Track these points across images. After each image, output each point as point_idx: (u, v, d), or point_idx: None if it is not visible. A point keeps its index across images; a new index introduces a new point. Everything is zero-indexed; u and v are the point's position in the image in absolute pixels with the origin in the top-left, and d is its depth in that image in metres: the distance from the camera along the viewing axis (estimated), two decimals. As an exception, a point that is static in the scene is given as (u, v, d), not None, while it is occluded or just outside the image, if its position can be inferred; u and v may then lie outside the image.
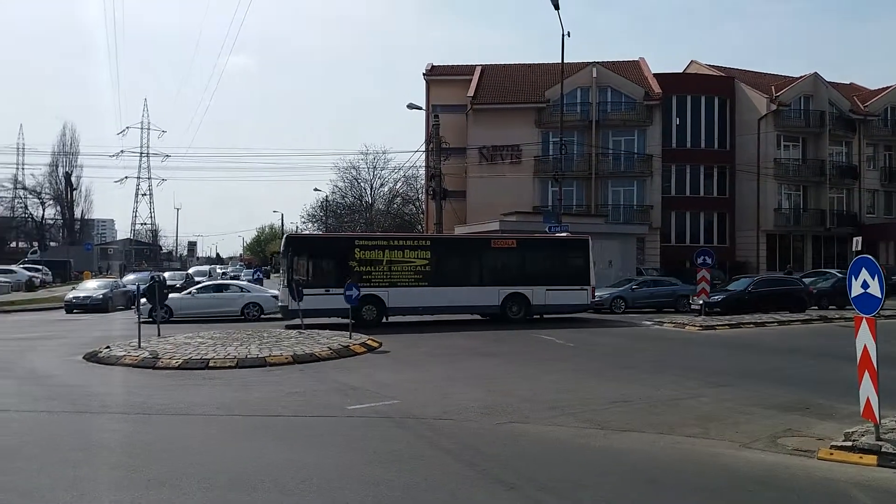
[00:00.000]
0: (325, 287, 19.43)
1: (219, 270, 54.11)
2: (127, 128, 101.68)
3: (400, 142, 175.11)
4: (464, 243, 24.60)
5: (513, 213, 32.73)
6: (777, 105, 39.92)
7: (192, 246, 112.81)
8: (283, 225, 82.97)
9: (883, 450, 6.60)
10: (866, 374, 7.01)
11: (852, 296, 7.26)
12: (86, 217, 78.64)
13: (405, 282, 20.43)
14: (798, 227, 41.54)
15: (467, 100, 40.21)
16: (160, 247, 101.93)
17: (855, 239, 27.71)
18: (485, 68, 43.71)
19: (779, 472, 6.47)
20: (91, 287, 29.01)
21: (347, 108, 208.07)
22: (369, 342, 15.50)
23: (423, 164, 39.10)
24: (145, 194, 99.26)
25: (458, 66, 46.06)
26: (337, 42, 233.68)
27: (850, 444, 6.86)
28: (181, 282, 34.62)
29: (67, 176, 71.26)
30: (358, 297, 16.46)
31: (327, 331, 17.39)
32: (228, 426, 8.55)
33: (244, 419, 8.84)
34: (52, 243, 70.25)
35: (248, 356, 13.22)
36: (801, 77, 42.33)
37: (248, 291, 24.54)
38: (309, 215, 70.90)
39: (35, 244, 65.76)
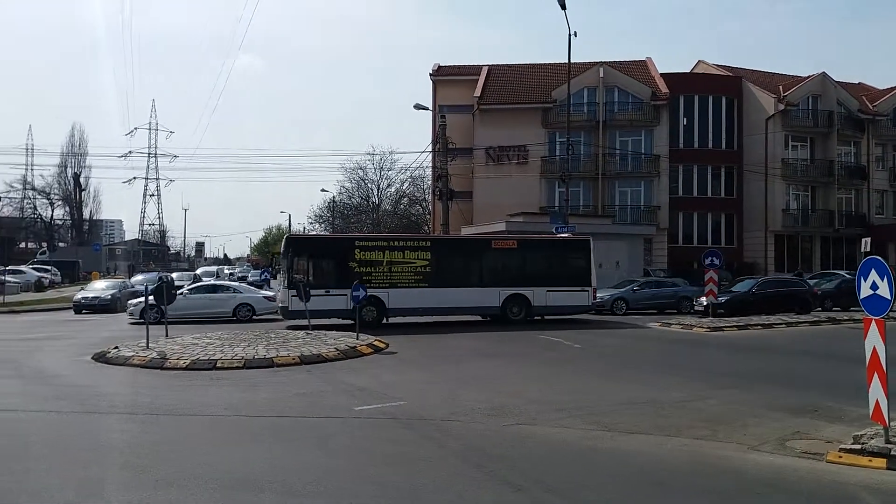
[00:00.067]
0: (326, 288, 19.45)
1: (226, 271, 54.31)
2: (135, 128, 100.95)
3: (403, 142, 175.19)
4: (464, 244, 24.59)
5: (519, 214, 32.65)
6: (785, 105, 39.74)
7: (199, 247, 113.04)
8: (290, 226, 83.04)
9: (892, 453, 6.56)
10: (875, 377, 6.98)
11: (861, 297, 7.21)
12: (94, 218, 78.93)
13: (405, 283, 20.40)
14: (806, 227, 41.33)
15: (474, 100, 40.15)
16: (168, 247, 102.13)
17: (864, 240, 27.54)
18: (491, 68, 43.62)
19: (787, 474, 6.45)
20: (99, 287, 29.19)
21: (348, 109, 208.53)
22: (376, 343, 15.52)
23: (430, 164, 39.17)
24: (153, 195, 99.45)
25: (464, 66, 46.00)
26: (337, 42, 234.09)
27: (859, 446, 6.83)
28: (189, 282, 34.71)
29: (76, 176, 71.62)
30: (364, 298, 16.51)
31: (334, 332, 17.43)
32: (236, 427, 8.58)
33: (252, 420, 8.88)
34: (61, 244, 70.61)
35: (256, 357, 13.26)
36: (808, 77, 42.10)
37: (240, 293, 24.62)
38: (316, 216, 70.97)
39: (44, 245, 66.16)
